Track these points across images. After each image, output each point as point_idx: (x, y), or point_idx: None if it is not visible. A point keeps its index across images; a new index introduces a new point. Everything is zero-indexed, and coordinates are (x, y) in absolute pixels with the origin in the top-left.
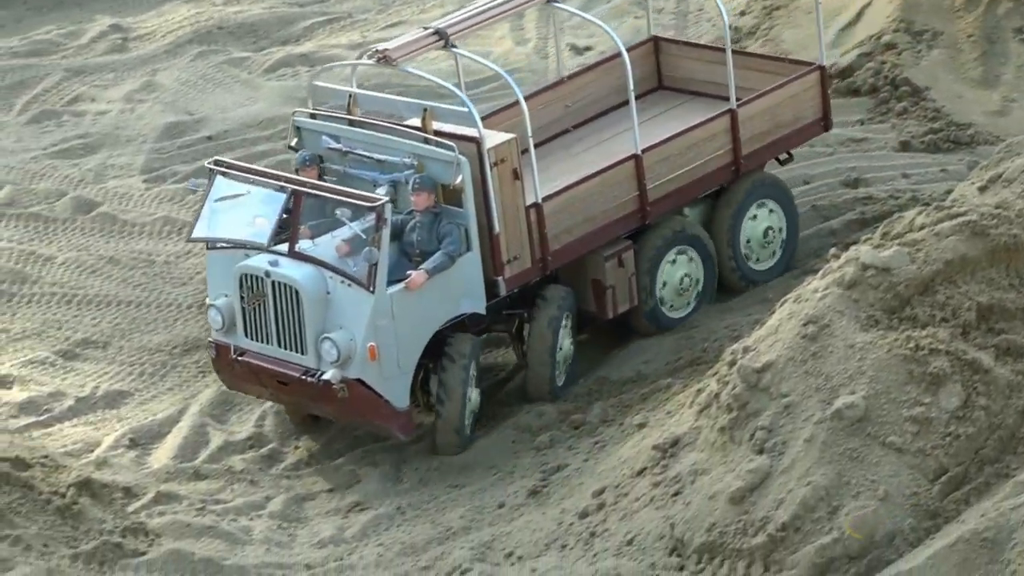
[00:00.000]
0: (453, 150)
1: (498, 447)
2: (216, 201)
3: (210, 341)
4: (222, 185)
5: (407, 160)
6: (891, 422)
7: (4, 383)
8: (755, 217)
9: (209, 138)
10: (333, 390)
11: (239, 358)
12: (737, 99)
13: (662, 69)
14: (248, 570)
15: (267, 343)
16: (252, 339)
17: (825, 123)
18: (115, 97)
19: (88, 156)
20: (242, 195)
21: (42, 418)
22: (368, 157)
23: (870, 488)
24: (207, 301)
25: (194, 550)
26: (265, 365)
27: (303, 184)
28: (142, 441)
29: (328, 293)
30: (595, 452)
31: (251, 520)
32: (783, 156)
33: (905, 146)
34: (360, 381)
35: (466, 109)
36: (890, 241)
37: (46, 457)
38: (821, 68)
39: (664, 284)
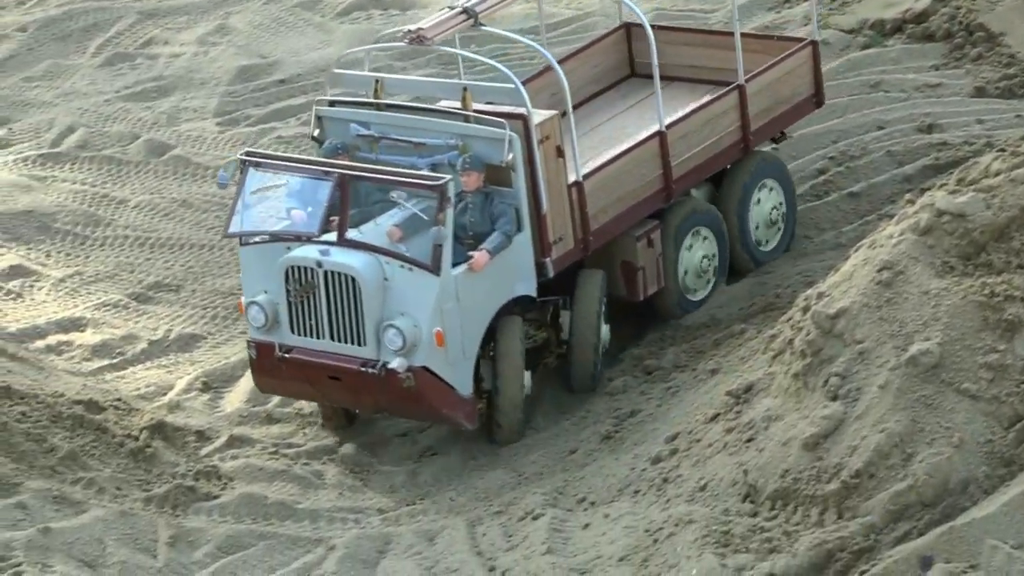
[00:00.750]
0: (504, 127)
1: (570, 394)
2: (252, 193)
3: (249, 341)
4: (256, 177)
5: (451, 141)
6: (966, 369)
7: (78, 326)
8: (759, 201)
9: (282, 82)
10: (397, 380)
11: (285, 356)
12: (726, 81)
13: (634, 56)
14: (321, 514)
15: (318, 337)
16: (300, 334)
17: (818, 99)
18: (188, 40)
19: (161, 99)
20: (281, 185)
21: (115, 361)
22: (406, 141)
23: (944, 435)
24: (242, 300)
25: (267, 494)
26: (316, 360)
27: (351, 168)
28: (215, 384)
29: (386, 280)
30: (668, 398)
31: (323, 464)
32: (778, 135)
33: (980, 92)
34: (426, 369)
35: (501, 85)
36: (965, 187)
37: (119, 400)
38: (814, 43)
39: (686, 272)
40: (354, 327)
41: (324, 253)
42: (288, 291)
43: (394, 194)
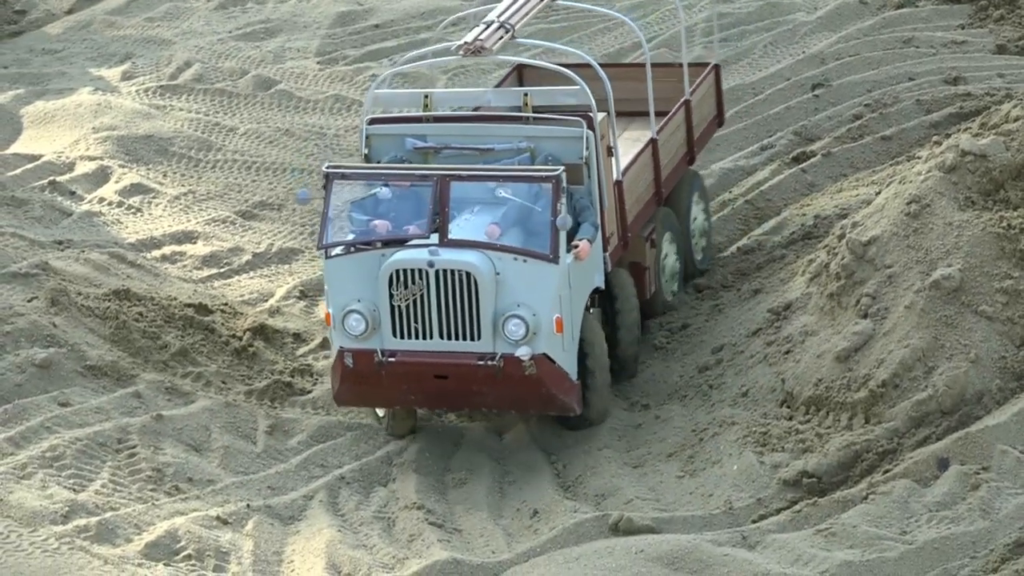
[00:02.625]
0: (582, 125)
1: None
2: (340, 204)
3: (344, 350)
4: (342, 189)
5: (521, 144)
6: (983, 293)
7: (190, 238)
8: (695, 213)
9: (376, 26)
10: (517, 369)
11: (389, 360)
12: (641, 111)
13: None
14: None
15: (425, 338)
16: (405, 337)
17: (720, 119)
18: None
19: (268, 39)
20: (370, 194)
21: (222, 270)
22: (472, 149)
23: (962, 351)
24: (329, 312)
25: None
26: (424, 361)
27: (452, 170)
28: (310, 293)
29: (497, 274)
30: (715, 314)
31: None
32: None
33: (1001, 49)
34: (546, 356)
35: (560, 88)
36: (987, 131)
37: (226, 304)
38: (716, 67)
39: (664, 273)
40: (468, 323)
41: (434, 253)
42: (392, 295)
43: (500, 191)
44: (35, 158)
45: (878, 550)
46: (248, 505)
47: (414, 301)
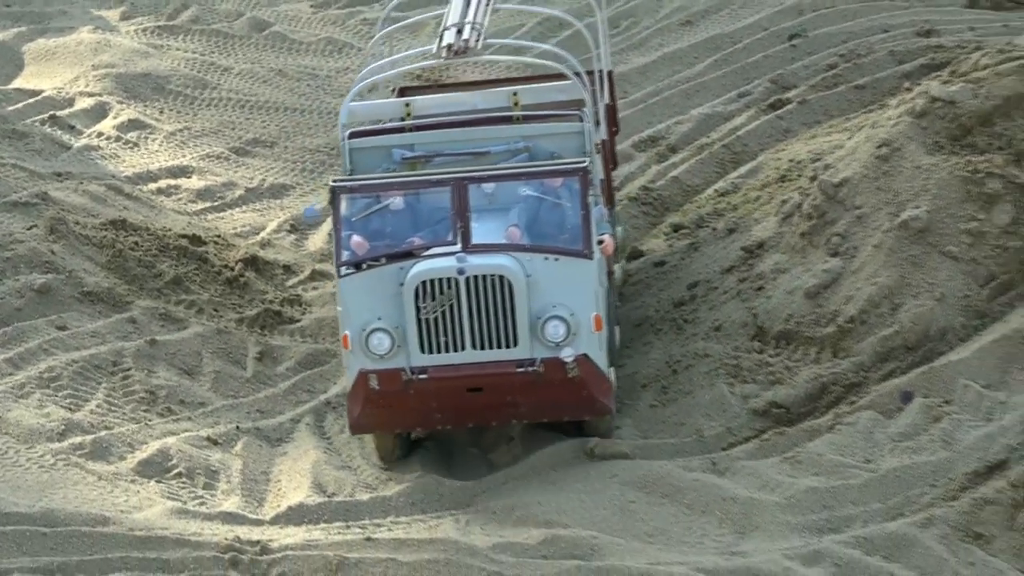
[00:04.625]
0: (582, 120)
1: None
2: (351, 221)
3: (367, 372)
4: (350, 204)
5: (518, 145)
6: (949, 234)
7: (185, 172)
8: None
9: None
10: (559, 373)
11: (418, 377)
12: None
13: None
14: None
15: (457, 350)
16: (434, 351)
17: (616, 128)
18: None
19: None
20: (382, 206)
21: (216, 204)
22: (466, 154)
23: (928, 290)
24: (347, 334)
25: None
26: (458, 375)
27: (468, 173)
28: (300, 227)
29: (528, 276)
30: (690, 252)
31: None
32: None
33: (973, 3)
34: (586, 356)
35: (548, 85)
36: (956, 78)
37: (219, 236)
38: (610, 72)
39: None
40: (504, 329)
41: (462, 260)
42: (419, 308)
43: (524, 190)
44: (36, 93)
45: (842, 477)
46: (238, 427)
47: (443, 312)
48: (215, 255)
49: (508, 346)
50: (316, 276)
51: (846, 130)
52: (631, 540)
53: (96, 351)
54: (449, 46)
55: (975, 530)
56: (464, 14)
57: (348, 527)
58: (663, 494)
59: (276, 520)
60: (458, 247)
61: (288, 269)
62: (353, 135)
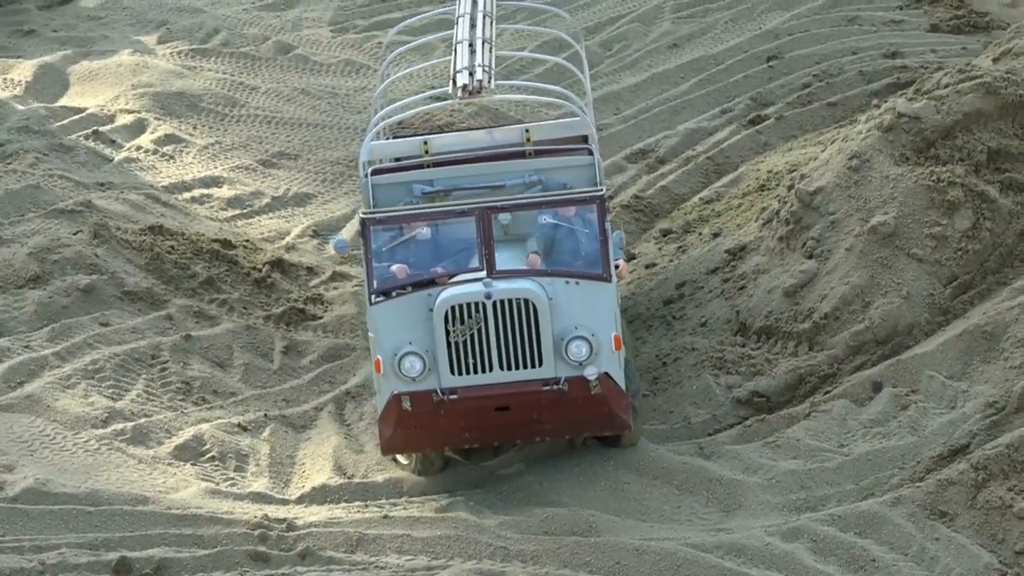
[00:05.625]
0: (592, 153)
1: None
2: (381, 251)
3: (400, 394)
4: (380, 235)
5: (532, 178)
6: (915, 237)
7: (216, 182)
8: None
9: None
10: (583, 390)
11: (450, 398)
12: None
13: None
14: None
15: (485, 371)
16: (463, 373)
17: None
18: None
19: (287, 10)
20: (409, 237)
21: (245, 211)
22: (483, 188)
23: (895, 289)
24: (379, 359)
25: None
26: (487, 394)
27: (493, 202)
28: (323, 232)
29: (550, 299)
30: (678, 255)
31: None
32: None
33: (934, 28)
34: (607, 374)
35: (558, 121)
36: (921, 96)
37: (247, 241)
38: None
39: None
40: (530, 350)
41: (488, 285)
42: (448, 332)
43: (542, 217)
44: (80, 111)
45: (819, 460)
46: (265, 415)
47: (471, 336)
48: (244, 258)
49: (534, 366)
50: (337, 277)
51: (820, 143)
52: (625, 518)
53: (136, 345)
54: (464, 86)
55: (940, 508)
56: (472, 58)
57: (367, 506)
58: (654, 476)
59: (301, 500)
60: (483, 273)
61: (311, 271)
62: (376, 172)
